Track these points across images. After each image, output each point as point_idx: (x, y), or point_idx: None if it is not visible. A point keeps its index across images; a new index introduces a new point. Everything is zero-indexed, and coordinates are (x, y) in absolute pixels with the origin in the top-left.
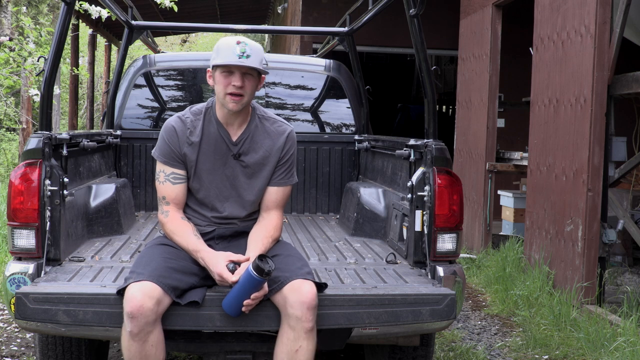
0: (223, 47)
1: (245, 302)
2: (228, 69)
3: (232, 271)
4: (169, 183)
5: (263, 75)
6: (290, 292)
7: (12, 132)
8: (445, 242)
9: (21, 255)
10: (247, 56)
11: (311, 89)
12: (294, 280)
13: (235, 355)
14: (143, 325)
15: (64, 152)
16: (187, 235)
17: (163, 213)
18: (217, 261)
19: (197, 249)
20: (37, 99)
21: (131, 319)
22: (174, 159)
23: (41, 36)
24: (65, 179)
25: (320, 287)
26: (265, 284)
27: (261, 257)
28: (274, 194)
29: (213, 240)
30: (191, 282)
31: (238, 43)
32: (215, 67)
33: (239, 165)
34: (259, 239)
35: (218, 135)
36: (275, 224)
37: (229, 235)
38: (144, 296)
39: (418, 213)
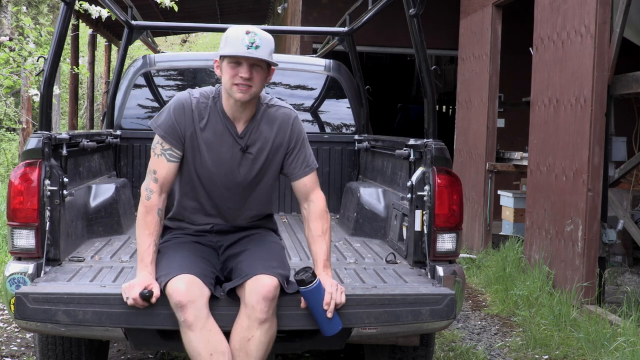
0: (232, 36)
1: (328, 310)
2: (236, 60)
3: (148, 296)
4: (164, 158)
5: (273, 67)
6: (249, 283)
7: (12, 132)
8: (445, 242)
9: (21, 255)
10: (257, 47)
11: (311, 89)
12: (256, 275)
13: None
14: (194, 310)
15: (64, 152)
16: (145, 240)
17: (147, 190)
18: (133, 288)
19: (140, 259)
20: (37, 99)
21: (181, 307)
22: (175, 137)
23: (41, 36)
24: (65, 179)
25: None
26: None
27: (298, 272)
28: (303, 184)
29: (211, 234)
30: (215, 273)
31: (247, 33)
32: (222, 57)
33: (247, 157)
34: (317, 244)
35: (224, 127)
36: (320, 208)
37: (227, 230)
38: (186, 284)
39: (418, 213)
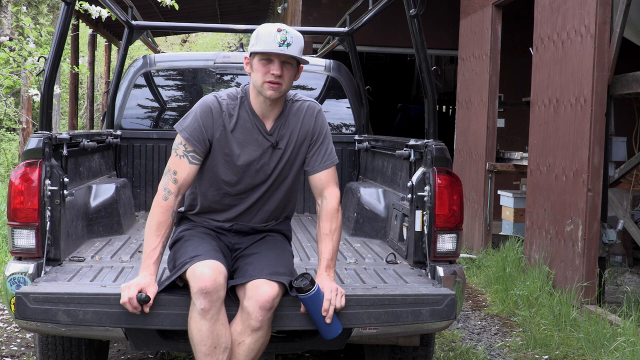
0: (263, 34)
1: (327, 316)
2: (267, 57)
3: (144, 301)
4: (186, 160)
5: (302, 65)
6: (250, 287)
7: (12, 132)
8: (445, 242)
9: (21, 255)
10: (288, 44)
11: (311, 89)
12: (257, 279)
13: None
14: (215, 300)
15: (64, 152)
16: (154, 240)
17: (165, 190)
18: (129, 289)
19: (144, 258)
20: (37, 99)
21: (205, 294)
22: (200, 141)
23: (41, 36)
24: (65, 179)
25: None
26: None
27: (297, 277)
28: (318, 179)
29: (230, 233)
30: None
31: (279, 30)
32: (253, 54)
33: (277, 152)
34: (323, 243)
35: (253, 126)
36: (331, 207)
37: (245, 232)
38: (214, 271)
39: (418, 213)
